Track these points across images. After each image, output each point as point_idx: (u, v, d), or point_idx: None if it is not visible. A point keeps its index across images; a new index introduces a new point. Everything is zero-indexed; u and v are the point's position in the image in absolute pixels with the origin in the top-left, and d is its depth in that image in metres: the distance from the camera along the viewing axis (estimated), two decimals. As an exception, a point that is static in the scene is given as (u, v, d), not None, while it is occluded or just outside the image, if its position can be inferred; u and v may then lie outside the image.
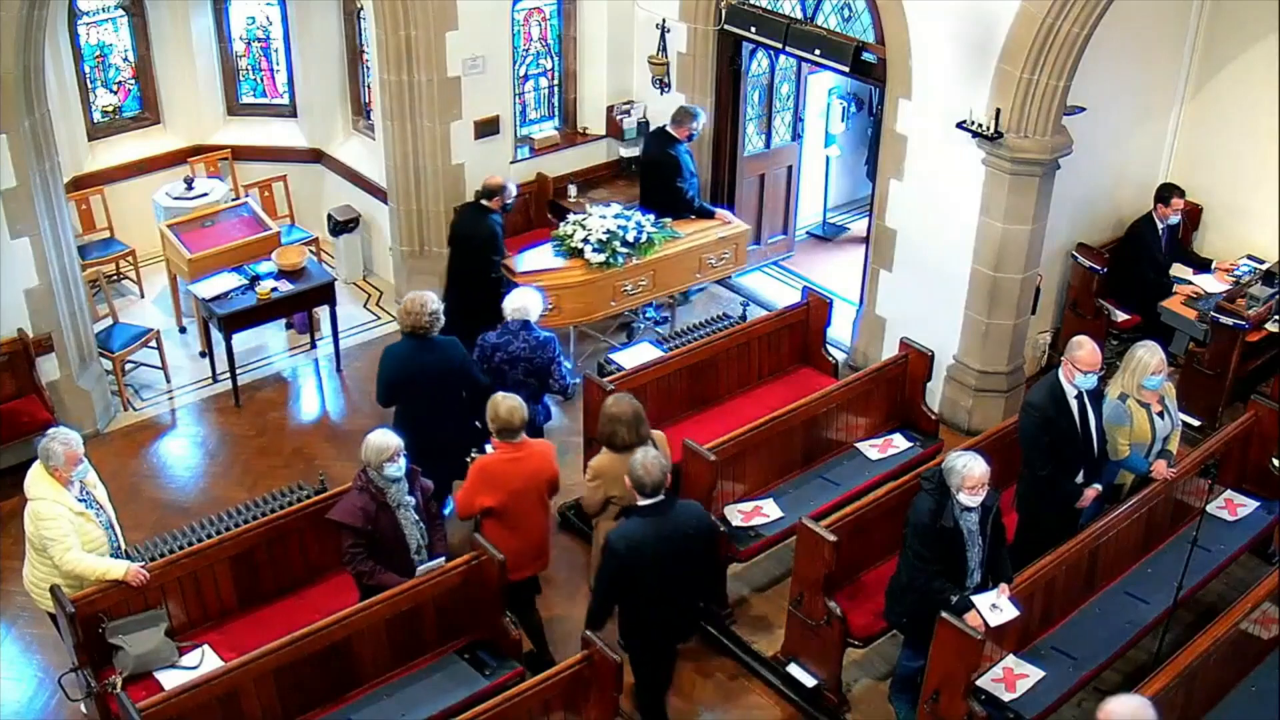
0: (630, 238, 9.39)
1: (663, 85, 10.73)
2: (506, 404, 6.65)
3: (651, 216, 9.67)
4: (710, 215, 10.02)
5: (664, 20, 10.47)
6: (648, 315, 10.49)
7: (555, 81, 11.09)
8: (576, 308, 9.43)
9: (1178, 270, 9.59)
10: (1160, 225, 9.50)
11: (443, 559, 6.69)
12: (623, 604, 6.23)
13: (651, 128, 10.79)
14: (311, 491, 7.36)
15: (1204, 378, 8.99)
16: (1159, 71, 9.46)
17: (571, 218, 9.69)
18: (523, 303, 7.86)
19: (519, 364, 7.74)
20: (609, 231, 9.36)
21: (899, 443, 8.28)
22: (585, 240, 9.34)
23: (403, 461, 6.48)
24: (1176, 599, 6.71)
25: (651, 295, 9.85)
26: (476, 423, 7.45)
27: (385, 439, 6.46)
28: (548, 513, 7.07)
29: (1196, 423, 8.90)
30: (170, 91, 11.28)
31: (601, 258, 9.30)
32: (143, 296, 10.96)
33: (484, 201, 9.17)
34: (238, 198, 10.99)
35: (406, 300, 7.63)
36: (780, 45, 9.78)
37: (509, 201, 9.22)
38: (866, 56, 9.25)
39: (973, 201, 8.67)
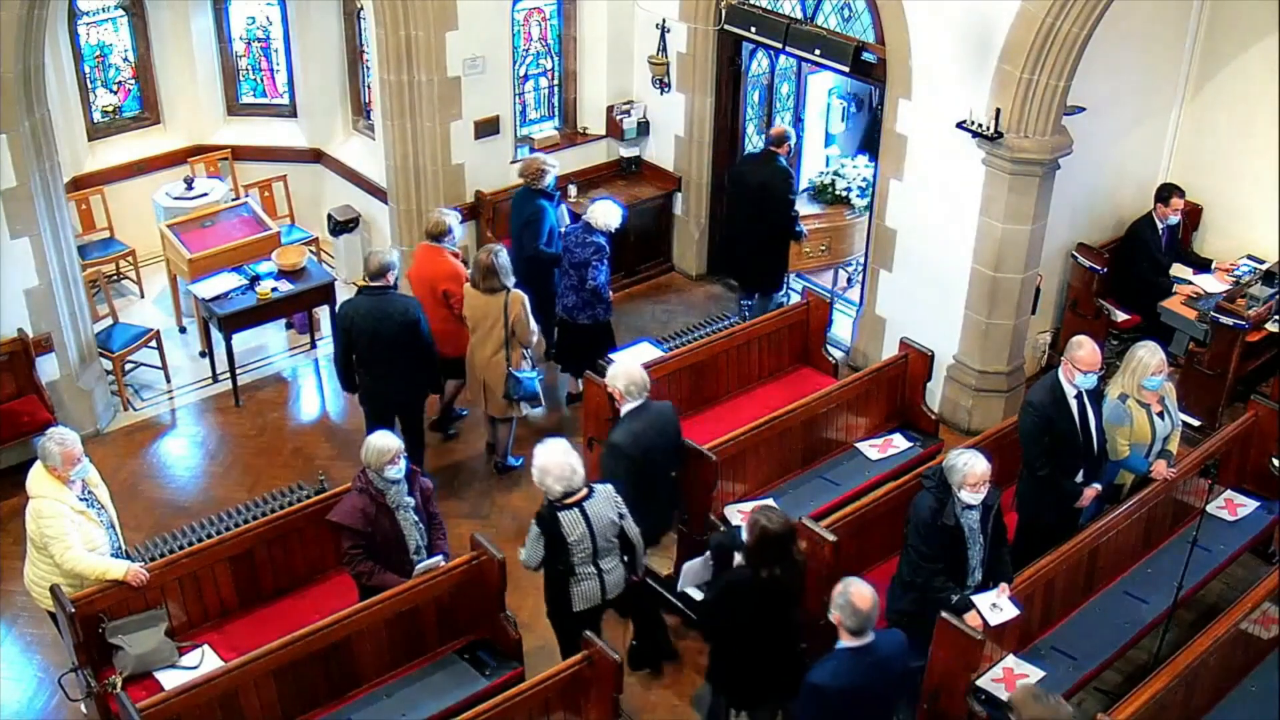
0: None
1: (663, 85, 10.73)
2: (434, 215, 8.72)
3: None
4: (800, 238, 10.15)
5: (664, 20, 10.47)
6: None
7: (555, 81, 11.09)
8: (843, 248, 10.70)
9: (1178, 270, 9.58)
10: (1160, 225, 9.50)
11: (441, 558, 6.69)
12: (351, 371, 7.92)
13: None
14: (311, 491, 7.36)
15: (1204, 378, 8.98)
16: (1159, 71, 9.45)
17: (820, 171, 10.97)
18: (594, 208, 8.95)
19: (567, 252, 8.94)
20: (866, 179, 10.38)
21: (899, 443, 8.29)
22: (848, 188, 10.48)
23: (403, 464, 6.48)
24: (1176, 599, 6.71)
25: None
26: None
27: (386, 441, 6.47)
28: (445, 310, 8.45)
29: (1196, 423, 8.90)
30: (170, 91, 11.28)
31: (865, 201, 10.30)
32: (143, 296, 10.96)
33: (773, 149, 9.62)
34: (238, 198, 10.99)
35: (526, 161, 9.37)
36: (780, 45, 9.78)
37: (793, 148, 9.82)
38: (866, 56, 9.25)
39: (973, 201, 8.67)
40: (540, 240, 9.11)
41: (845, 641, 5.47)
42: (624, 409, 6.89)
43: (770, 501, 5.71)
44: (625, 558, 6.55)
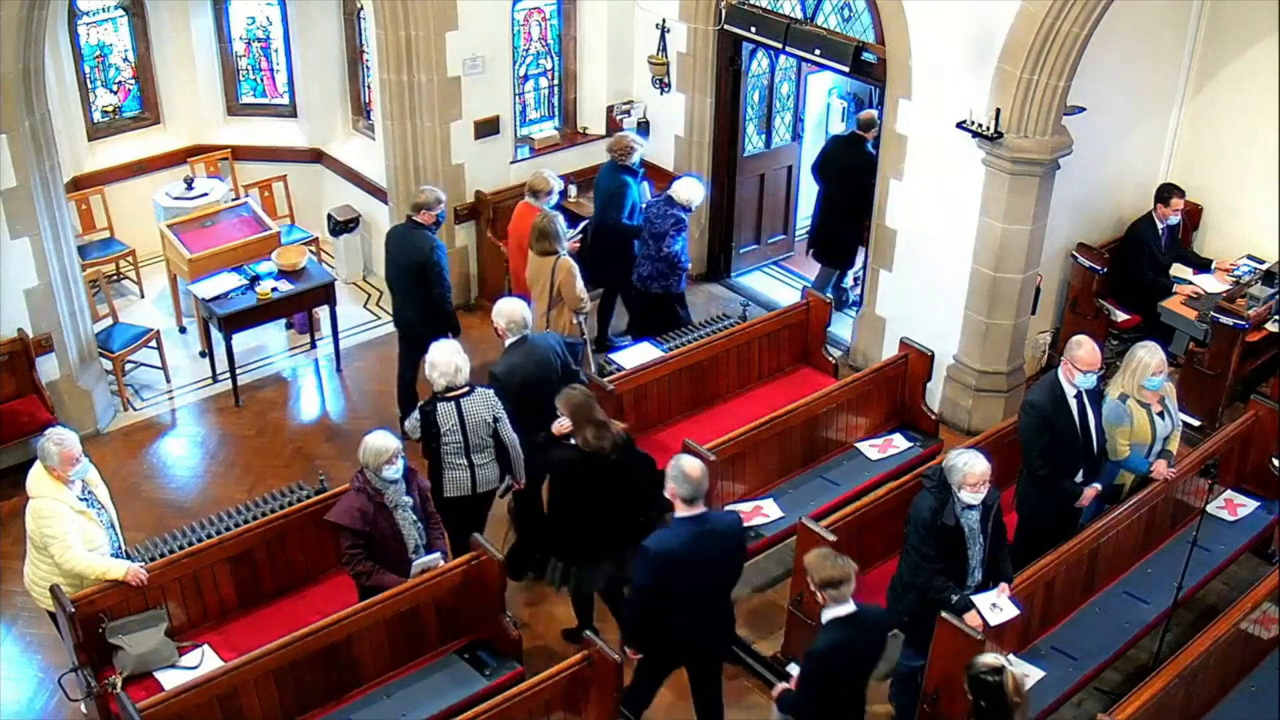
0: None
1: (663, 85, 10.73)
2: (539, 173, 9.18)
3: None
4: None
5: (664, 20, 10.47)
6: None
7: (555, 81, 11.09)
8: None
9: (1178, 270, 9.58)
10: (1160, 225, 9.50)
11: (439, 554, 6.70)
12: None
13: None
14: (311, 491, 7.36)
15: (1204, 378, 8.98)
16: (1159, 71, 9.45)
17: None
18: (679, 184, 9.34)
19: (648, 223, 9.33)
20: None
21: (899, 443, 8.29)
22: None
23: (400, 463, 6.48)
24: (1176, 599, 6.71)
25: None
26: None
27: (384, 441, 6.46)
28: (523, 260, 8.81)
29: (1196, 423, 8.89)
30: (170, 91, 11.28)
31: None
32: (143, 296, 10.96)
33: (861, 133, 10.24)
34: (238, 198, 10.99)
35: (616, 138, 9.73)
36: (780, 45, 9.78)
37: (877, 132, 10.03)
38: (866, 56, 9.25)
39: (973, 201, 8.67)
40: (623, 213, 9.48)
41: (680, 511, 5.98)
42: (506, 343, 7.53)
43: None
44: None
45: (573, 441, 6.67)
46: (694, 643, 6.34)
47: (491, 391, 7.11)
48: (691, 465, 5.92)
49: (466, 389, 7.00)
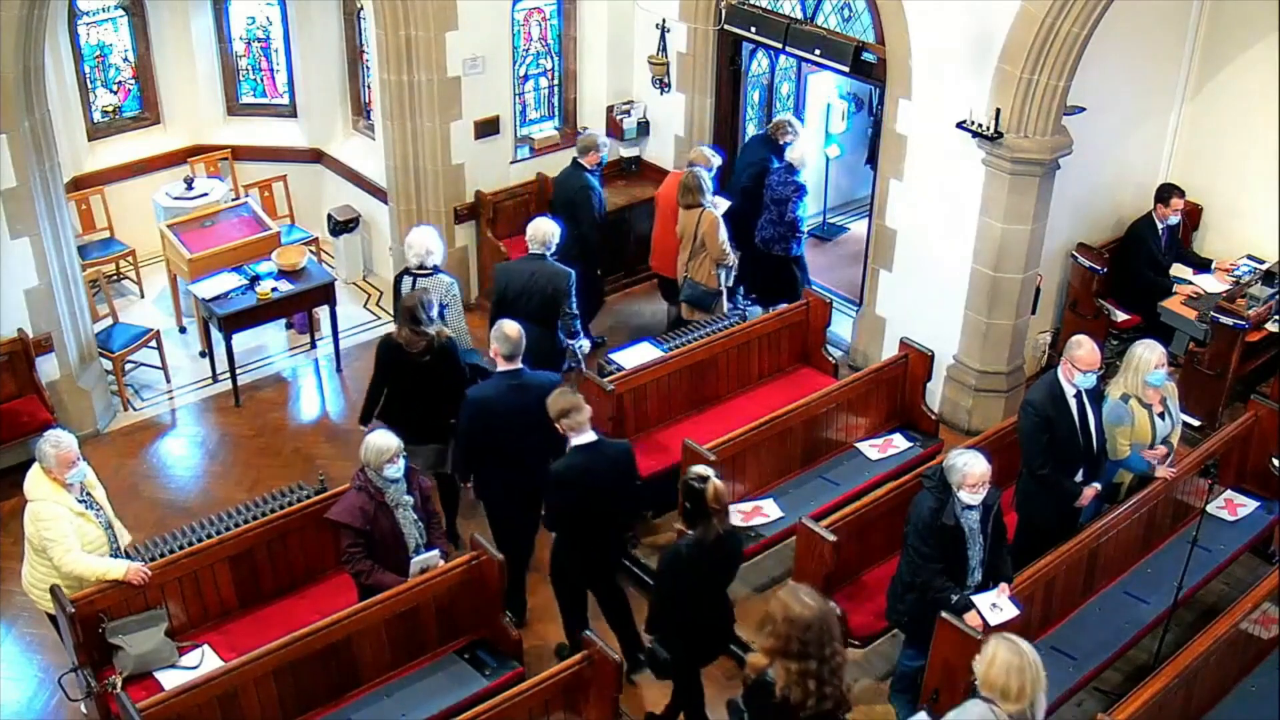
0: None
1: (663, 85, 10.73)
2: (699, 149, 9.85)
3: None
4: None
5: (664, 20, 10.47)
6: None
7: (555, 81, 11.09)
8: None
9: (1178, 270, 9.58)
10: (1160, 225, 9.50)
11: (437, 552, 6.70)
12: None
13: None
14: (311, 491, 7.36)
15: (1204, 378, 8.98)
16: (1159, 71, 9.46)
17: None
18: (794, 149, 9.90)
19: (769, 189, 9.83)
20: None
21: (899, 443, 8.29)
22: None
23: (402, 462, 6.49)
24: (1176, 599, 6.71)
25: None
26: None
27: (386, 440, 6.47)
28: (673, 229, 9.49)
29: (1196, 423, 8.89)
30: (170, 91, 11.29)
31: None
32: (143, 296, 10.96)
33: None
34: (238, 198, 10.99)
35: (779, 119, 10.27)
36: (780, 45, 9.78)
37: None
38: (866, 56, 9.25)
39: (973, 201, 8.67)
40: (758, 186, 9.99)
41: (500, 367, 7.04)
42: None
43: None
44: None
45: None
46: (515, 486, 7.10)
47: (450, 280, 8.12)
48: (510, 326, 6.99)
49: (430, 271, 8.01)
